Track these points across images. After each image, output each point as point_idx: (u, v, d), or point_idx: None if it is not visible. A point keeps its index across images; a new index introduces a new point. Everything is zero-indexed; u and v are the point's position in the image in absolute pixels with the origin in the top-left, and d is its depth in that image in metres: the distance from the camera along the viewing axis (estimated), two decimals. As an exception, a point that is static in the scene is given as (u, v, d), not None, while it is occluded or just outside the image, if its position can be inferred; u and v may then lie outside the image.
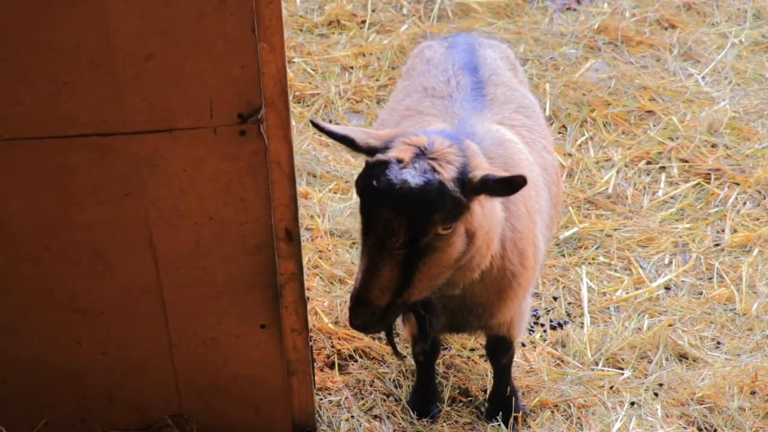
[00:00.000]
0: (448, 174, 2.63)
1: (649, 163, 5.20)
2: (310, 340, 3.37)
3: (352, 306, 2.70)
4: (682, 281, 4.42)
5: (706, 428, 3.62)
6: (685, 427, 3.61)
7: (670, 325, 4.12)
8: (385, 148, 2.71)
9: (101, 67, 2.73)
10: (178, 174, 2.96)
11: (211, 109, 2.84)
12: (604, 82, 5.79)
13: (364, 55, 5.98)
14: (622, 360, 3.96)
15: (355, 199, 4.80)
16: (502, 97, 3.57)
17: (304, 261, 3.94)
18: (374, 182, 2.62)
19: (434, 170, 2.62)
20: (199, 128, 2.87)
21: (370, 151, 2.75)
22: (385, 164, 2.64)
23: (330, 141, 5.20)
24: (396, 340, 3.15)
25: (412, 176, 2.60)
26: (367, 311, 2.67)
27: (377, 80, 5.77)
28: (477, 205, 2.74)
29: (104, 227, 3.03)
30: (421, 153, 2.66)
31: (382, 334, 3.87)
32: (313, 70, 5.88)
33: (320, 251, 4.54)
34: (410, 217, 2.59)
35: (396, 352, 3.22)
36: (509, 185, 2.64)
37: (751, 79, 5.97)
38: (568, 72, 5.88)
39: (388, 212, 2.59)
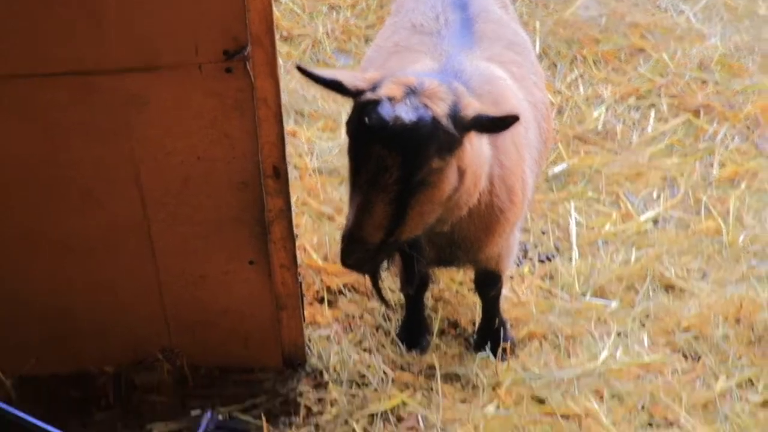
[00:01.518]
0: (440, 110, 2.63)
1: (639, 99, 5.19)
2: (299, 276, 3.41)
3: (344, 245, 2.69)
4: (670, 215, 4.44)
5: (691, 355, 3.67)
6: (670, 355, 3.66)
7: (657, 257, 4.15)
8: (373, 89, 2.70)
9: (81, 3, 2.73)
10: (164, 112, 2.96)
11: (196, 46, 2.84)
12: (595, 19, 5.75)
13: (351, -6, 5.94)
14: (610, 292, 4.00)
15: (343, 137, 4.80)
16: (492, 34, 3.54)
17: (293, 199, 3.93)
18: (366, 120, 2.62)
19: (426, 107, 2.62)
20: (185, 65, 2.86)
21: (358, 93, 2.74)
22: (376, 102, 2.64)
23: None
24: (381, 285, 3.18)
25: (406, 112, 2.60)
26: (359, 249, 2.66)
27: (365, 19, 5.74)
28: (467, 143, 2.74)
29: (91, 165, 3.04)
30: (411, 92, 2.65)
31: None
32: (301, 10, 5.83)
33: (308, 189, 4.54)
34: (404, 153, 2.58)
35: (381, 298, 3.24)
36: (501, 123, 2.66)
37: (743, 15, 5.93)
38: (559, 10, 5.84)
39: (381, 149, 2.59)
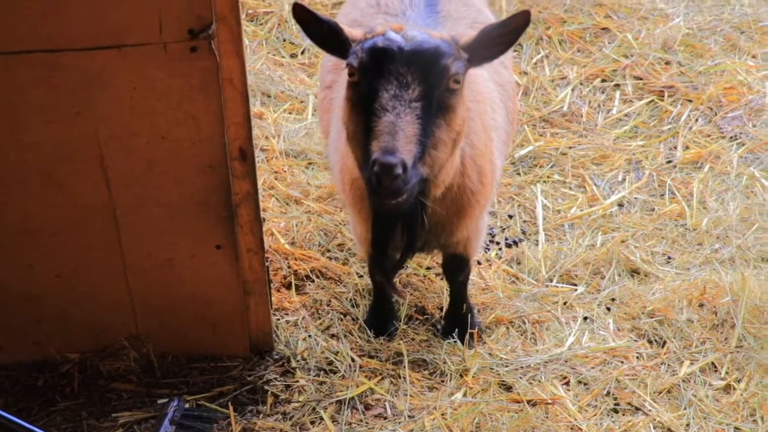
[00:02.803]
0: (445, 36, 2.80)
1: (604, 80, 5.21)
2: (267, 261, 3.37)
3: (379, 166, 2.59)
4: (635, 198, 4.47)
5: (656, 340, 3.70)
6: (636, 340, 3.69)
7: (623, 242, 4.18)
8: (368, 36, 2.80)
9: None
10: (128, 92, 2.91)
11: (160, 25, 2.80)
12: None
13: (318, -29, 5.84)
14: (576, 276, 4.02)
15: (311, 119, 4.80)
16: (456, 14, 3.54)
17: (260, 182, 3.96)
18: (381, 46, 2.70)
19: (430, 35, 2.77)
20: (149, 44, 2.83)
21: (350, 42, 2.82)
22: (383, 34, 2.75)
23: (285, 60, 5.14)
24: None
25: (417, 34, 2.74)
26: (395, 165, 2.58)
27: (331, -3, 5.67)
28: (465, 87, 2.84)
29: (54, 147, 2.98)
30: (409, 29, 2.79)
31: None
32: (267, -13, 5.74)
33: (276, 172, 4.50)
34: (424, 66, 2.68)
35: (396, 291, 3.29)
36: (511, 28, 2.82)
37: (706, -5, 5.97)
38: None
39: (401, 67, 2.67)
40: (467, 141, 3.03)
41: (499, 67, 3.54)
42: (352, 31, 2.84)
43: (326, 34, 2.84)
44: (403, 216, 2.92)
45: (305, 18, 2.83)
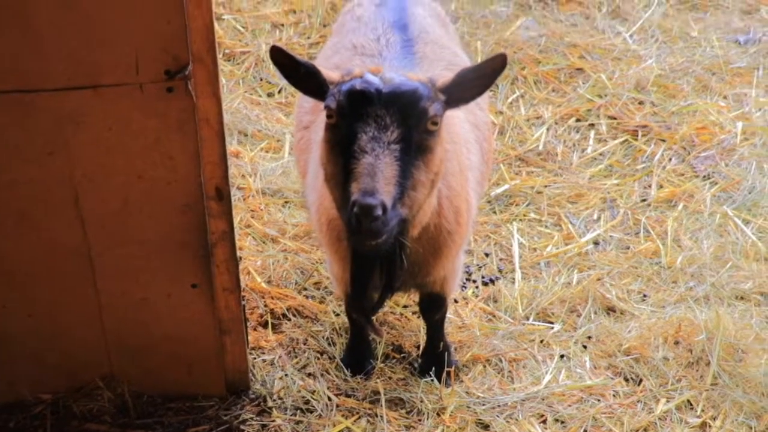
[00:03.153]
0: (423, 78, 2.81)
1: (578, 120, 5.26)
2: (243, 300, 3.36)
3: (359, 207, 2.58)
4: (610, 236, 4.51)
5: (632, 378, 3.70)
6: (612, 378, 3.69)
7: (599, 279, 4.20)
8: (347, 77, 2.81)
9: (19, 17, 2.66)
10: (103, 132, 2.90)
11: (137, 65, 2.80)
12: (535, 39, 5.85)
13: (294, 12, 5.93)
14: (552, 314, 4.03)
15: (287, 158, 4.82)
16: (432, 55, 3.57)
17: (236, 221, 3.92)
18: (359, 88, 2.70)
19: (408, 78, 2.77)
20: (125, 85, 2.83)
21: (328, 84, 2.82)
22: (361, 77, 2.75)
23: (262, 99, 5.16)
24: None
25: (395, 76, 2.74)
26: (375, 207, 2.56)
27: (308, 38, 5.73)
28: (443, 128, 2.85)
29: (28, 186, 2.96)
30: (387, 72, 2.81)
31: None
32: (243, 27, 5.81)
33: (252, 210, 4.51)
34: (402, 109, 2.68)
35: (374, 330, 3.23)
36: (488, 71, 2.80)
37: (677, 37, 6.12)
38: (499, 29, 5.94)
39: (379, 109, 2.67)
40: (444, 182, 3.04)
41: (475, 108, 3.57)
42: (330, 73, 2.85)
43: (304, 77, 2.85)
44: (383, 256, 2.91)
45: (282, 61, 2.83)
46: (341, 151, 2.72)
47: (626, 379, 3.70)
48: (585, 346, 3.86)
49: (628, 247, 4.44)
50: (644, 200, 4.74)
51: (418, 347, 3.82)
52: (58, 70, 2.77)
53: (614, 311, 4.06)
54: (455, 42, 4.08)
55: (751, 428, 3.46)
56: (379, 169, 2.62)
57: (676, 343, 3.84)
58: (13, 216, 3.02)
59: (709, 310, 3.96)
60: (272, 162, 4.78)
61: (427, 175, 2.77)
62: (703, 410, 3.54)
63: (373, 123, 2.67)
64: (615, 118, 5.27)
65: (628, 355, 3.78)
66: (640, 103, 5.42)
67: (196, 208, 3.06)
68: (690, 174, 4.91)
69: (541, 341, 3.87)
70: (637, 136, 5.16)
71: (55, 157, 2.92)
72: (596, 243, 4.49)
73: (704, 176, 4.88)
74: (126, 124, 2.89)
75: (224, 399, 3.43)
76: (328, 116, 2.77)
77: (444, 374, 3.61)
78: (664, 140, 5.13)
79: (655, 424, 3.48)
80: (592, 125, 5.24)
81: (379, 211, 2.57)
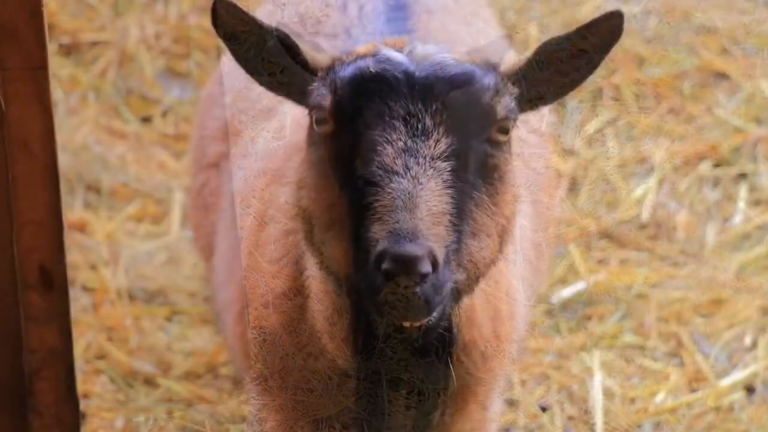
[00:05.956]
0: (473, 59, 2.29)
1: (716, 165, 4.23)
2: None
3: (393, 258, 1.99)
4: (775, 379, 3.67)
5: None
6: None
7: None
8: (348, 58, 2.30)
9: None
10: None
11: None
12: (634, 21, 4.68)
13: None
14: None
15: (176, 233, 3.99)
16: (442, 33, 3.03)
17: (82, 346, 3.45)
18: (374, 71, 2.15)
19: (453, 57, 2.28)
20: None
21: (314, 70, 2.26)
22: (374, 55, 2.20)
23: (131, 127, 4.36)
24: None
25: (434, 50, 2.21)
26: (420, 259, 1.97)
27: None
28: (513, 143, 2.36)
29: None
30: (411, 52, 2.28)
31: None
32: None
33: (110, 328, 3.65)
34: (453, 104, 2.15)
35: None
36: (598, 38, 2.22)
37: None
38: (569, 3, 4.82)
39: (412, 104, 2.13)
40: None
41: (524, 129, 2.83)
42: (315, 55, 2.30)
43: (270, 55, 2.28)
44: (424, 356, 2.32)
45: (235, 25, 2.22)
46: (345, 175, 2.17)
47: None
48: None
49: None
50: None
51: None
52: None
53: None
54: (488, 16, 3.37)
55: None
56: (421, 199, 2.06)
57: None
58: None
59: None
60: (148, 241, 3.95)
61: (494, 216, 2.20)
62: None
63: (403, 127, 2.12)
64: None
65: None
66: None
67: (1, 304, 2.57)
68: None
69: None
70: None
71: None
72: (749, 389, 3.67)
73: None
74: None
75: None
76: (318, 122, 2.25)
77: None
78: None
79: None
80: (742, 176, 4.17)
81: (428, 266, 1.99)
